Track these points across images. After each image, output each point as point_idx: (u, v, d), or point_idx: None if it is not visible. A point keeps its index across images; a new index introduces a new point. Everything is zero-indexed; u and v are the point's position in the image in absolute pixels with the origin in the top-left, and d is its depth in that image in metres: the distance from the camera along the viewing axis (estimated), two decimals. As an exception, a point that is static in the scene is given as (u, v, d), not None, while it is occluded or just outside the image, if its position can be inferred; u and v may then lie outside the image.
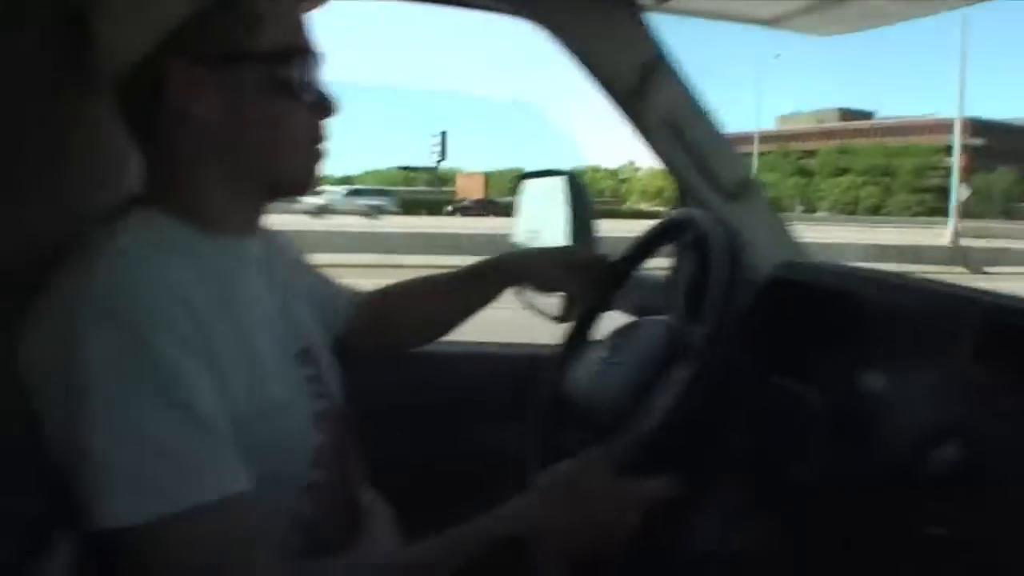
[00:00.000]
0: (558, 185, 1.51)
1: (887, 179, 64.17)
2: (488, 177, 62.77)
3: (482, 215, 31.81)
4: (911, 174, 65.10)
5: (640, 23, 1.34)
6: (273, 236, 1.02)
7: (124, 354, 0.71)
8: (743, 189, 1.38)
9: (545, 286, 1.29)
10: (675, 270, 1.53)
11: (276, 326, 0.92)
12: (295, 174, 0.88)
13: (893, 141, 70.12)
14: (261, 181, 0.88)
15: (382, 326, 1.28)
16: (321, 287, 1.17)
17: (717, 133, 1.39)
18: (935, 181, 65.51)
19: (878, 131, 73.47)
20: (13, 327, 0.76)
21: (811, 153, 69.05)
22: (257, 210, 0.92)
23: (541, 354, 1.41)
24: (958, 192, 22.45)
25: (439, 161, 52.53)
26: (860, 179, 65.66)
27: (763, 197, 1.40)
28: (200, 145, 0.83)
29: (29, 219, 0.84)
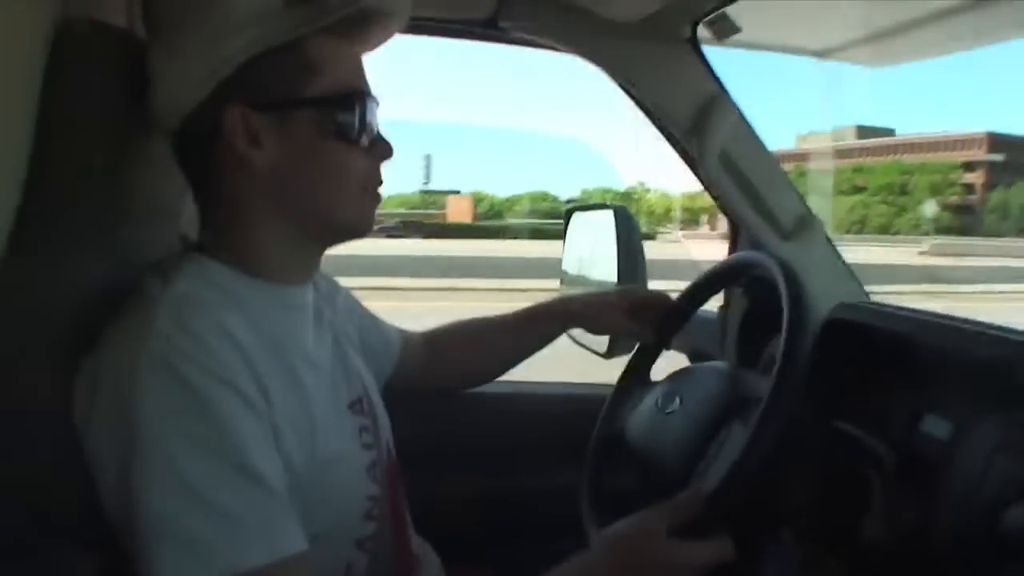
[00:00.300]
0: (606, 218, 1.49)
1: (904, 198, 63.49)
2: (477, 198, 63.63)
3: (404, 236, 31.81)
4: (927, 192, 63.46)
5: (698, 58, 1.31)
6: (321, 280, 1.00)
7: (182, 410, 0.70)
8: (800, 227, 1.35)
9: (601, 329, 1.27)
10: (727, 310, 1.50)
11: (330, 376, 0.90)
12: (351, 219, 0.87)
13: (911, 159, 68.77)
14: (317, 226, 0.86)
15: (435, 368, 1.27)
16: (372, 330, 1.16)
17: (775, 169, 1.36)
18: (953, 199, 64.36)
19: (896, 148, 71.87)
20: (67, 379, 0.75)
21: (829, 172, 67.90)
22: (313, 257, 0.91)
23: (594, 395, 1.38)
24: (926, 208, 22.36)
25: (424, 183, 53.96)
26: (875, 198, 64.83)
27: (821, 235, 1.36)
28: (256, 191, 0.82)
29: (84, 268, 0.83)
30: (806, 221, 1.35)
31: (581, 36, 1.30)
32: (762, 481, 0.89)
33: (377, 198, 0.88)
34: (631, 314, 1.22)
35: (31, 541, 0.75)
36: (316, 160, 0.82)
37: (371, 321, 1.16)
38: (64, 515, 0.76)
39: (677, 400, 1.07)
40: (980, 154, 62.12)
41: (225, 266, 0.83)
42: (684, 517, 0.84)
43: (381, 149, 0.87)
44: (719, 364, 1.23)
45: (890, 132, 76.72)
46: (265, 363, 0.77)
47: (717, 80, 1.32)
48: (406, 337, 1.24)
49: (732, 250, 1.51)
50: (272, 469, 0.74)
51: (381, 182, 0.88)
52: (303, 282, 0.90)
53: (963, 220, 61.01)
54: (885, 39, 1.48)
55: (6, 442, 0.74)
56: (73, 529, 0.76)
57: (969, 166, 64.58)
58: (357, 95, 0.84)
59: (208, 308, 0.76)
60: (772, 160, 1.37)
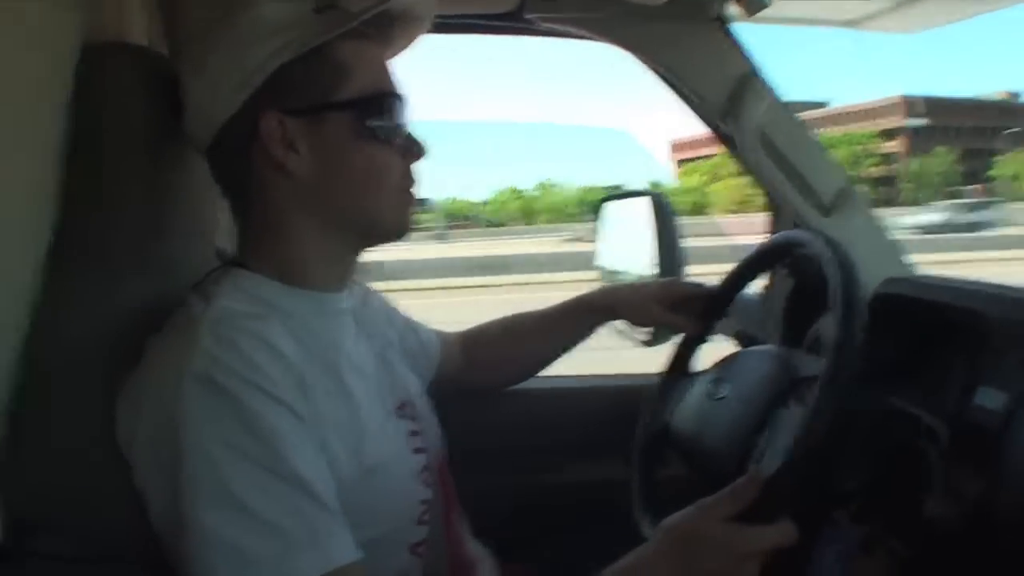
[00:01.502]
0: (642, 206, 1.47)
1: None
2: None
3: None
4: (846, 164, 59.08)
5: (729, 37, 1.29)
6: (355, 286, 1.00)
7: (228, 425, 0.70)
8: (842, 201, 1.32)
9: (644, 322, 1.25)
10: (771, 291, 1.48)
11: (375, 382, 0.90)
12: (389, 220, 0.87)
13: (837, 131, 62.70)
14: (355, 230, 0.86)
15: (475, 367, 1.26)
16: (411, 333, 1.15)
17: (812, 144, 1.34)
18: (872, 170, 59.60)
19: (821, 121, 64.55)
20: (109, 397, 0.75)
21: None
22: (351, 261, 0.91)
23: (635, 386, 1.37)
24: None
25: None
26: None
27: (864, 208, 1.33)
28: (295, 197, 0.82)
29: (124, 286, 0.84)
30: (847, 194, 1.32)
31: (608, 22, 1.28)
32: (819, 462, 0.88)
33: (413, 199, 0.88)
34: (672, 307, 1.21)
35: (79, 560, 0.75)
36: (352, 162, 0.82)
37: (408, 324, 1.16)
38: (112, 534, 0.77)
39: (727, 386, 1.05)
40: (899, 120, 58.37)
41: (264, 278, 0.83)
42: (744, 502, 0.82)
43: (415, 149, 0.87)
44: (767, 347, 1.21)
45: (821, 105, 71.46)
46: (310, 373, 0.77)
47: (749, 58, 1.30)
48: (443, 338, 1.23)
49: (774, 230, 1.49)
50: (321, 480, 0.73)
51: (415, 183, 0.88)
52: (341, 289, 0.90)
53: (882, 192, 56.46)
54: (915, 4, 1.45)
55: (50, 460, 0.75)
56: (121, 548, 0.77)
57: (888, 134, 60.75)
58: (388, 96, 0.84)
59: (250, 322, 0.76)
60: (809, 135, 1.35)
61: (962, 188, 50.85)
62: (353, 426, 0.81)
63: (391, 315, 1.11)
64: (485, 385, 1.33)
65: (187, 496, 0.69)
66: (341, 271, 0.89)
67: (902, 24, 1.59)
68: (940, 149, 57.16)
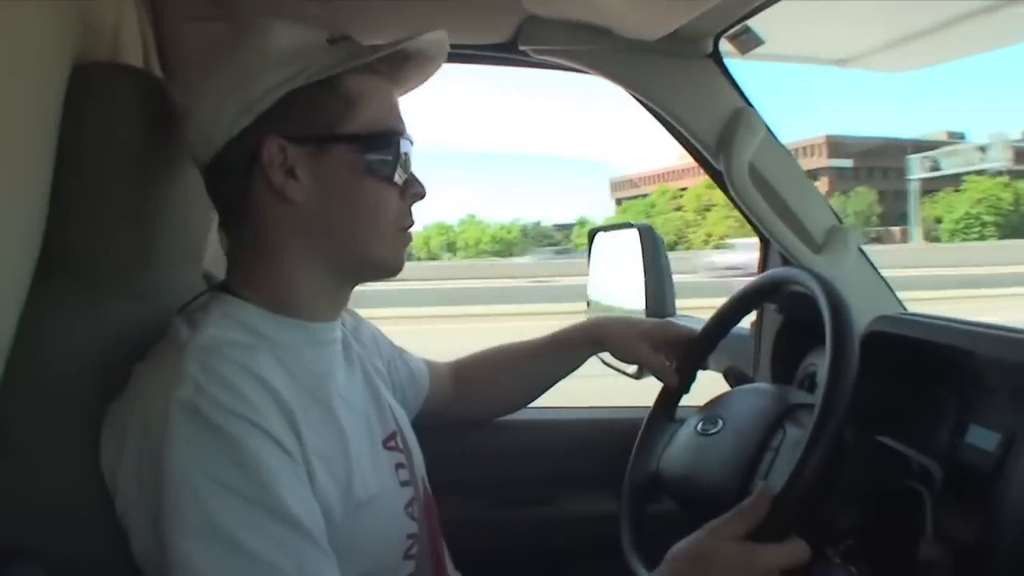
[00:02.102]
0: (631, 238, 1.46)
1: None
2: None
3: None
4: None
5: (721, 73, 1.29)
6: (346, 315, 0.99)
7: (212, 455, 0.68)
8: (833, 239, 1.32)
9: (630, 359, 1.24)
10: (760, 328, 1.47)
11: (364, 413, 0.89)
12: (382, 257, 0.86)
13: None
14: (348, 262, 0.85)
15: (465, 398, 1.25)
16: (400, 362, 1.14)
17: (803, 182, 1.34)
18: None
19: None
20: (93, 423, 0.74)
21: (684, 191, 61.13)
22: (342, 294, 0.89)
23: (625, 419, 1.36)
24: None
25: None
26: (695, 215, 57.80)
27: (854, 246, 1.33)
28: (290, 224, 0.81)
29: (109, 311, 0.82)
30: (838, 233, 1.33)
31: (602, 56, 1.29)
32: (817, 488, 0.87)
33: (408, 238, 0.88)
34: (660, 348, 1.20)
35: None
36: (351, 196, 0.82)
37: (398, 353, 1.15)
38: (91, 565, 0.75)
39: (720, 422, 1.04)
40: (822, 160, 58.05)
41: (253, 306, 0.81)
42: (755, 520, 0.80)
43: (415, 189, 0.87)
44: (758, 384, 1.20)
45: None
46: (298, 404, 0.76)
47: (742, 94, 1.30)
48: (433, 367, 1.22)
49: (763, 266, 1.49)
50: (308, 512, 0.72)
51: (413, 222, 0.88)
52: (332, 319, 0.88)
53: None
54: (906, 44, 1.46)
55: (29, 489, 0.73)
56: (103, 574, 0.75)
57: (812, 174, 59.15)
58: (394, 133, 0.84)
59: (237, 351, 0.75)
60: (800, 173, 1.35)
61: (879, 229, 51.21)
62: (343, 459, 0.79)
63: (379, 344, 1.10)
64: (474, 416, 1.32)
65: (171, 528, 0.67)
66: (332, 303, 0.88)
67: (892, 63, 1.61)
68: (861, 189, 57.06)
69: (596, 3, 1.16)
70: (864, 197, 57.35)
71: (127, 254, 0.83)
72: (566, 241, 56.15)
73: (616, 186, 66.44)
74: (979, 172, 42.89)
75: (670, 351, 1.19)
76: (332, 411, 0.82)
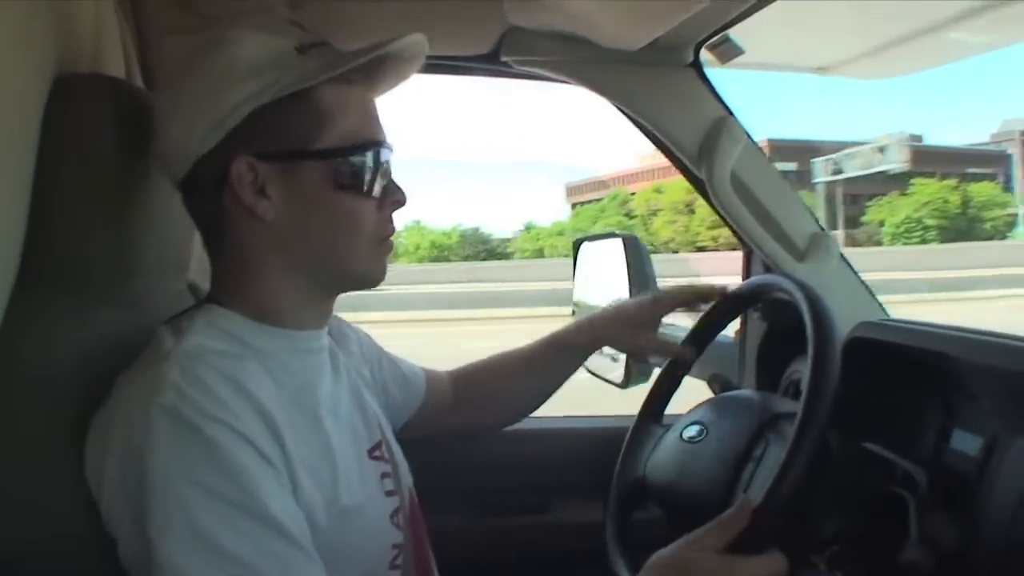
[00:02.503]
0: (615, 247, 1.47)
1: (686, 217, 51.13)
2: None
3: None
4: (705, 208, 54.31)
5: (703, 82, 1.30)
6: (332, 321, 0.98)
7: (195, 461, 0.68)
8: (815, 246, 1.33)
9: (635, 351, 1.24)
10: (744, 335, 1.48)
11: (349, 422, 0.88)
12: (362, 269, 0.84)
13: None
14: (327, 275, 0.84)
15: (465, 408, 1.23)
16: (392, 368, 1.13)
17: (785, 190, 1.35)
18: None
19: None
20: (77, 432, 0.73)
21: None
22: (326, 304, 0.89)
23: (614, 427, 1.36)
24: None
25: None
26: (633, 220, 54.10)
27: (835, 253, 1.34)
28: (265, 241, 0.80)
29: (92, 319, 0.82)
30: (820, 240, 1.34)
31: (584, 67, 1.30)
32: (798, 499, 0.87)
33: (389, 247, 0.86)
34: (648, 328, 1.20)
35: None
36: (325, 211, 0.80)
37: (389, 360, 1.13)
38: (83, 573, 0.74)
39: (703, 429, 1.05)
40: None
41: (239, 315, 0.81)
42: (734, 532, 0.80)
43: (395, 197, 0.85)
44: (742, 391, 1.21)
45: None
46: (283, 413, 0.75)
47: (723, 103, 1.31)
48: (431, 375, 1.21)
49: (745, 273, 1.50)
50: (291, 518, 0.71)
51: (393, 231, 0.86)
52: (318, 327, 0.88)
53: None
54: (887, 50, 1.48)
55: (13, 500, 0.72)
56: None
57: None
58: (369, 144, 0.81)
59: (221, 360, 0.74)
60: (782, 181, 1.36)
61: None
62: (327, 468, 0.79)
63: (364, 347, 1.09)
64: (472, 427, 1.29)
65: (156, 533, 0.67)
66: (316, 313, 0.87)
67: (873, 70, 1.63)
68: (803, 192, 55.79)
69: (578, 14, 1.17)
70: (807, 200, 56.12)
71: (109, 262, 0.83)
72: (503, 247, 55.79)
73: (573, 190, 65.82)
74: (880, 174, 42.66)
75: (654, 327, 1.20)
76: (318, 420, 0.81)
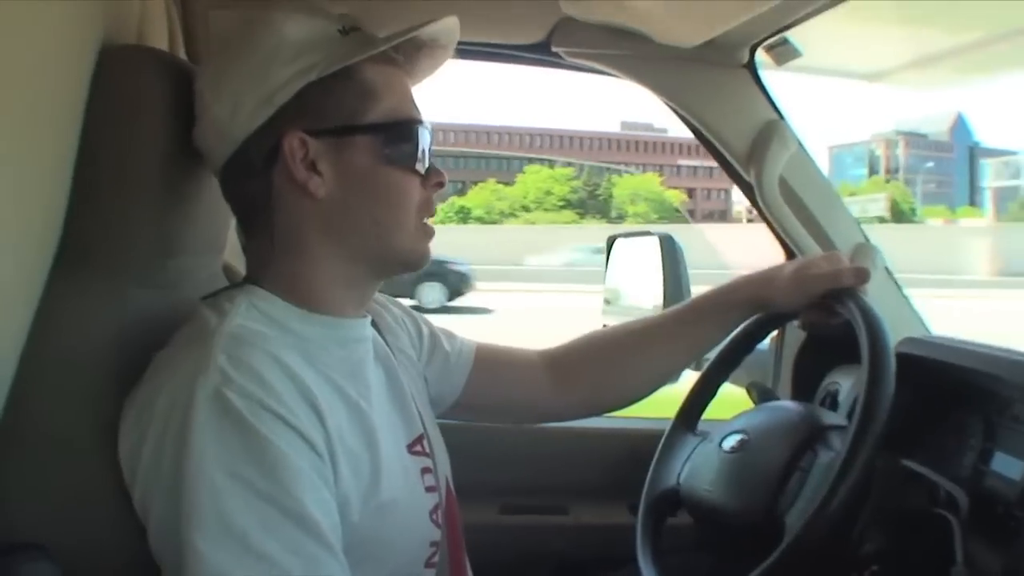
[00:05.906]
0: (651, 245, 1.45)
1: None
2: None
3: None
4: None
5: (756, 84, 1.28)
6: (376, 301, 0.96)
7: (235, 449, 0.66)
8: (861, 256, 1.31)
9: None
10: (781, 342, 1.46)
11: (389, 415, 0.86)
12: (407, 248, 0.84)
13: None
14: (373, 255, 0.83)
15: (577, 386, 1.13)
16: (438, 343, 1.06)
17: (833, 197, 1.33)
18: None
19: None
20: (110, 410, 0.72)
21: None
22: (369, 288, 0.87)
23: (648, 430, 1.34)
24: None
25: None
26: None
27: (881, 264, 1.32)
28: (313, 219, 0.79)
29: (129, 298, 0.80)
30: (865, 251, 1.31)
31: (635, 62, 1.28)
32: (847, 511, 0.86)
33: (431, 230, 0.86)
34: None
35: None
36: (375, 186, 0.80)
37: (433, 334, 1.06)
38: (111, 557, 0.73)
39: (744, 439, 1.03)
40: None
41: (281, 300, 0.79)
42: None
43: (437, 178, 0.85)
44: (784, 403, 1.19)
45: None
46: (327, 400, 0.74)
47: (775, 106, 1.28)
48: (519, 354, 1.13)
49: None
50: (326, 517, 0.70)
51: (433, 213, 0.86)
52: (360, 315, 0.86)
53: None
54: (933, 63, 1.46)
55: (50, 475, 0.71)
56: (119, 569, 0.73)
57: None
58: (413, 122, 0.82)
59: (265, 342, 0.73)
60: (830, 187, 1.34)
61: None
62: (369, 459, 0.77)
63: (405, 322, 1.04)
64: (578, 411, 1.18)
65: (185, 520, 0.65)
66: (358, 297, 0.86)
67: (921, 81, 1.61)
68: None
69: (634, 8, 1.14)
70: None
71: (149, 243, 0.81)
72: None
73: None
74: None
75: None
76: (360, 410, 0.79)
